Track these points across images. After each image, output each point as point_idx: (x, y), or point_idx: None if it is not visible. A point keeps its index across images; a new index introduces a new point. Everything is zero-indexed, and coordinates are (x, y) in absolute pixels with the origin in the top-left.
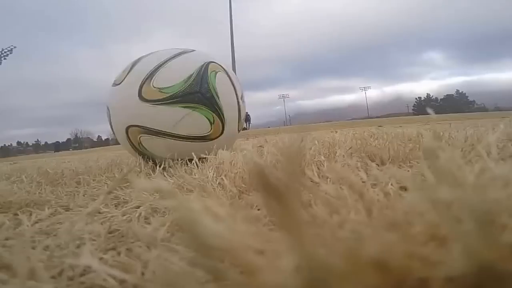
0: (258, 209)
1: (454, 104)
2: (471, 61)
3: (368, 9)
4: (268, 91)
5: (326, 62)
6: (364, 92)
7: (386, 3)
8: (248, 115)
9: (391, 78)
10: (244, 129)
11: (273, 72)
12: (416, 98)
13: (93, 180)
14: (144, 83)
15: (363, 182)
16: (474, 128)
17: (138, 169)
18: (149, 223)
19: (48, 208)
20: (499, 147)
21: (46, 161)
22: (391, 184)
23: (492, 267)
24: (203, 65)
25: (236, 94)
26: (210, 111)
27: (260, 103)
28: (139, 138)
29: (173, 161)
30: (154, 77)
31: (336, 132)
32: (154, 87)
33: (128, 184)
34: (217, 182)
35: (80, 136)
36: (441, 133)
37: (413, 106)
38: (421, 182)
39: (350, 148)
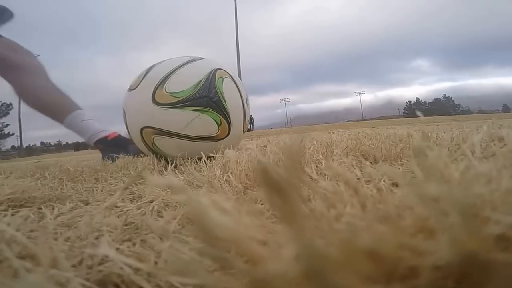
0: (262, 204)
1: (441, 107)
2: (457, 68)
3: (362, 21)
4: (271, 95)
5: (323, 69)
6: (358, 96)
7: (378, 16)
8: (252, 117)
9: (383, 83)
10: (249, 130)
11: (276, 78)
12: (406, 102)
13: (110, 177)
14: (157, 88)
15: (357, 178)
16: (459, 129)
17: (152, 167)
18: (161, 216)
19: (69, 203)
20: (482, 147)
21: (67, 159)
22: (384, 181)
23: (475, 256)
24: (211, 71)
25: (241, 98)
26: (217, 114)
27: (264, 106)
28: (153, 138)
29: (183, 159)
30: (166, 82)
31: (333, 133)
32: (167, 92)
33: (142, 180)
34: (224, 179)
35: None
36: (429, 134)
37: (403, 109)
38: (411, 179)
39: (346, 147)
